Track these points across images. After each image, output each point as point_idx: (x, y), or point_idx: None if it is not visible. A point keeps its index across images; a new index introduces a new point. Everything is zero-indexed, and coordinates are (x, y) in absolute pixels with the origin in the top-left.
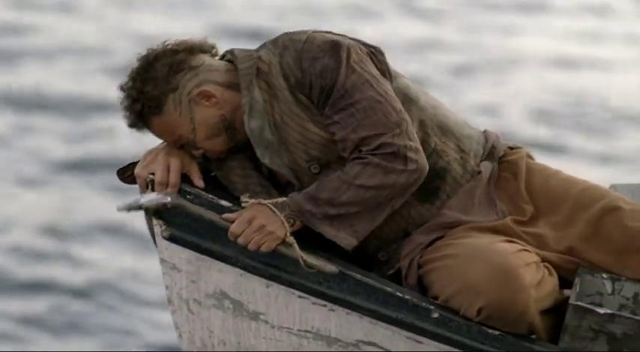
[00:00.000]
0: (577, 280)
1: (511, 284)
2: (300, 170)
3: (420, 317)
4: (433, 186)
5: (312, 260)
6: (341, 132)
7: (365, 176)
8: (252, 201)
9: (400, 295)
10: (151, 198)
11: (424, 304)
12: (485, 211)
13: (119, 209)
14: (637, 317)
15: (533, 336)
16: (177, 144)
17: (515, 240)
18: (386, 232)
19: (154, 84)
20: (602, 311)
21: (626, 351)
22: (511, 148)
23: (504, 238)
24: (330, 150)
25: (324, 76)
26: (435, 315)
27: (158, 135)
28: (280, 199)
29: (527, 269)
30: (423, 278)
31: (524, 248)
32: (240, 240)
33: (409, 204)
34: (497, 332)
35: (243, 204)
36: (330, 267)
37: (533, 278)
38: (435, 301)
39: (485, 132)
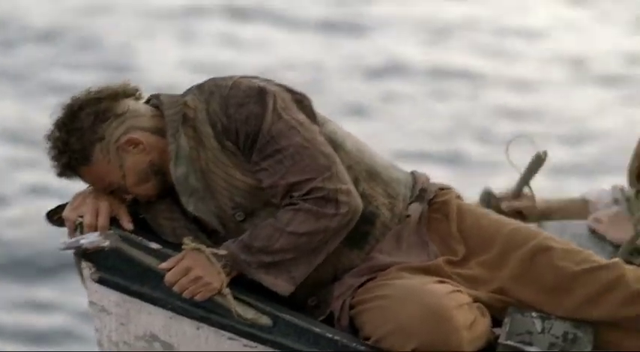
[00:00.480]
0: (507, 319)
1: (444, 325)
2: (225, 217)
3: None
4: (362, 231)
5: (246, 314)
6: (269, 179)
7: (296, 222)
8: (193, 245)
9: (330, 336)
10: (91, 239)
11: (354, 345)
12: (416, 252)
13: (60, 249)
14: None
15: None
16: (108, 190)
17: (447, 280)
18: (314, 277)
19: (80, 134)
20: (531, 350)
21: None
22: (441, 189)
23: (437, 279)
24: (255, 197)
25: (249, 122)
26: None
27: (89, 182)
28: (221, 251)
29: (460, 310)
30: (355, 319)
31: (457, 289)
32: (176, 289)
33: (338, 250)
34: None
35: (184, 247)
36: (265, 320)
37: (466, 319)
38: (366, 342)
39: (413, 173)
